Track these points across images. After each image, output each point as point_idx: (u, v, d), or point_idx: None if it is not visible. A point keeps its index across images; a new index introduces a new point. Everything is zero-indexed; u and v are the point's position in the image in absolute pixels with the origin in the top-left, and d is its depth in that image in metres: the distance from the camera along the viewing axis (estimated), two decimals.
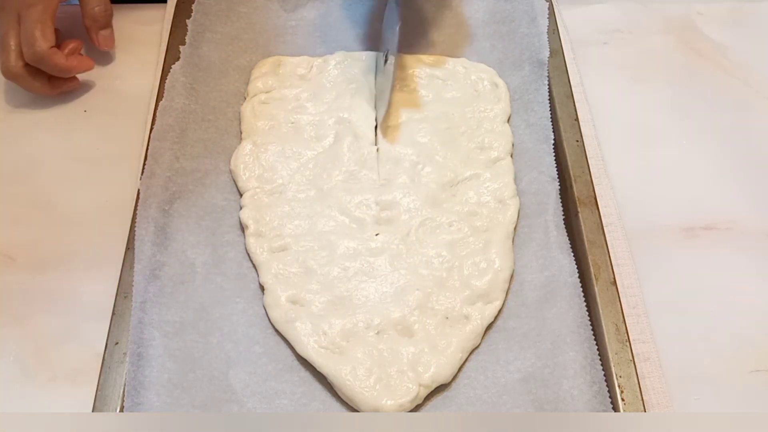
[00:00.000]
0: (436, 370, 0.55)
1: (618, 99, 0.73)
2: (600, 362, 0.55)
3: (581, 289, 0.58)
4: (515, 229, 0.63)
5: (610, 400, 0.53)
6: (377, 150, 0.67)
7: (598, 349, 0.55)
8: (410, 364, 0.55)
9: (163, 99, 0.67)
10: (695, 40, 0.78)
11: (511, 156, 0.67)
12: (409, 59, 0.73)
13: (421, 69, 0.72)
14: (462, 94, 0.71)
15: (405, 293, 0.58)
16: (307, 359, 0.56)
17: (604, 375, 0.54)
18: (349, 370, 0.54)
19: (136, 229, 0.59)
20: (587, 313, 0.57)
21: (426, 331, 0.57)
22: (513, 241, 0.62)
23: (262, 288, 0.59)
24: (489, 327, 0.58)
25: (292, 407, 0.54)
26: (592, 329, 0.56)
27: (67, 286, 0.60)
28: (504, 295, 0.59)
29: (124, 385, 0.53)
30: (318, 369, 0.55)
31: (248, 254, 0.61)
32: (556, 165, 0.65)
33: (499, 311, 0.59)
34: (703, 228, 0.65)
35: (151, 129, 0.66)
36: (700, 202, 0.66)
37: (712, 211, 0.66)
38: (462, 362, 0.56)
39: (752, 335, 0.59)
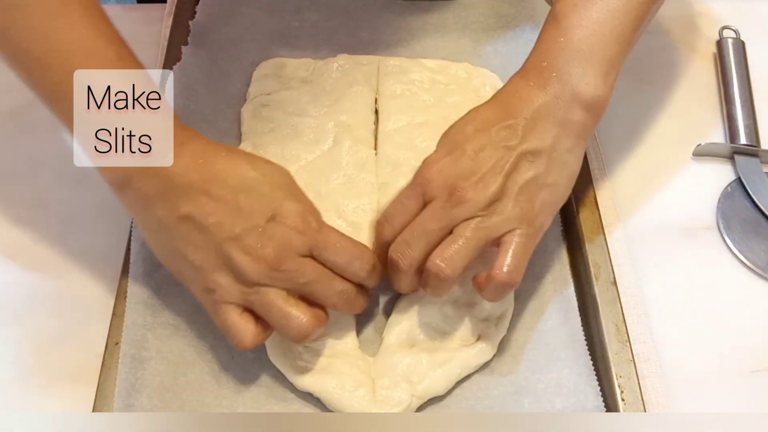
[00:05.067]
0: (430, 383, 0.54)
1: (618, 99, 0.73)
2: (596, 379, 0.54)
3: (576, 301, 0.58)
4: None
5: (604, 402, 0.53)
6: (376, 154, 0.66)
7: (592, 357, 0.55)
8: (403, 375, 0.54)
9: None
10: (695, 40, 0.78)
11: None
12: (411, 63, 0.72)
13: (423, 73, 0.71)
14: (464, 99, 0.69)
15: (404, 303, 0.58)
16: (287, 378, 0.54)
17: (598, 380, 0.54)
18: (336, 383, 0.53)
19: (133, 230, 0.59)
20: (582, 327, 0.56)
21: (427, 342, 0.56)
22: None
23: None
24: None
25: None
26: (591, 332, 0.56)
27: (67, 286, 0.60)
28: (511, 306, 0.58)
29: None
30: (301, 389, 0.54)
31: None
32: None
33: None
34: (703, 228, 0.65)
35: None
36: (700, 202, 0.66)
37: (712, 211, 0.66)
38: (460, 378, 0.55)
39: (752, 335, 0.59)
